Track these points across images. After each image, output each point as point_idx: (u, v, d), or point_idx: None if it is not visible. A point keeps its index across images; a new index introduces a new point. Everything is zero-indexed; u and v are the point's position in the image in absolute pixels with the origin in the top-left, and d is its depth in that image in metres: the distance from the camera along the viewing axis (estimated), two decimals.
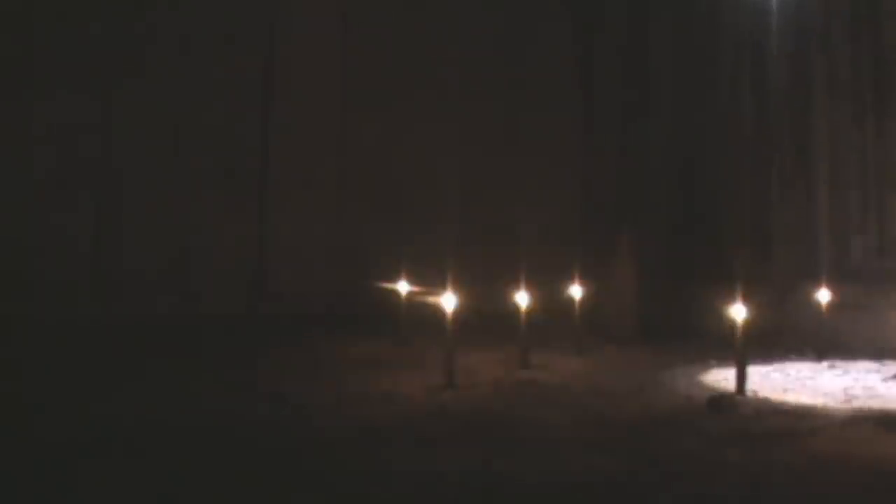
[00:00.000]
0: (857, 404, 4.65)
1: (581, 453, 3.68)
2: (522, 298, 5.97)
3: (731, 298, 5.03)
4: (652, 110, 8.30)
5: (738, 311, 4.94)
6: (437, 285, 5.48)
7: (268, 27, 8.32)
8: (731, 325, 4.96)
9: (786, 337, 6.49)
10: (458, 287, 5.31)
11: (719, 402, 4.54)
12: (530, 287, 6.04)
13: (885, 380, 5.30)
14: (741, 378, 4.84)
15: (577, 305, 6.53)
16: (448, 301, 5.18)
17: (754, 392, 4.82)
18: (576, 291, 6.56)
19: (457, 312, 5.18)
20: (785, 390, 5.01)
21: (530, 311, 5.99)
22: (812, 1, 6.86)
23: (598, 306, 7.02)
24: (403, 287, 6.82)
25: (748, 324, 4.92)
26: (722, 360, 5.66)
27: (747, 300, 4.96)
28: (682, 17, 8.13)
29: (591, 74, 8.87)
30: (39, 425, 4.04)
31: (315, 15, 8.45)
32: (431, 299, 5.79)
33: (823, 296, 6.05)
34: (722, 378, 5.17)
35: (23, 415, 4.23)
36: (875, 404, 4.64)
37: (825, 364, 5.79)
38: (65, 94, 7.75)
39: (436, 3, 8.70)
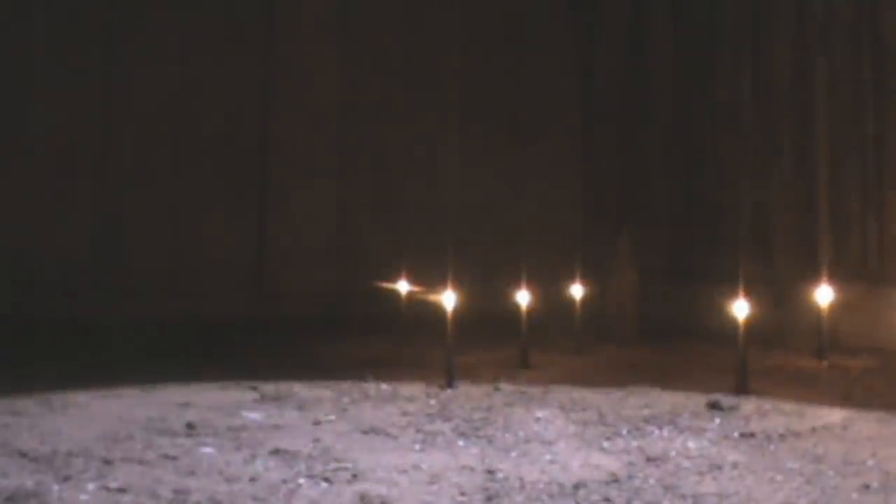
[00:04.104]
0: (856, 404, 4.65)
1: (581, 453, 3.69)
2: (522, 298, 5.97)
3: (731, 298, 5.03)
4: (652, 110, 8.30)
5: (739, 309, 4.94)
6: (438, 285, 5.49)
7: (268, 26, 8.33)
8: (732, 323, 4.96)
9: (786, 337, 6.49)
10: (459, 287, 5.31)
11: (719, 401, 4.54)
12: (531, 287, 6.04)
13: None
14: (742, 377, 4.85)
15: (577, 305, 6.54)
16: (448, 300, 5.18)
17: (755, 391, 4.82)
18: (576, 291, 6.56)
19: (457, 312, 5.19)
20: (785, 390, 5.01)
21: (531, 310, 5.99)
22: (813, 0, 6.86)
23: (598, 306, 7.02)
24: (403, 287, 6.82)
25: (749, 322, 4.93)
26: (723, 359, 5.66)
27: (748, 299, 4.97)
28: (682, 16, 8.13)
29: (592, 74, 8.87)
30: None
31: (315, 14, 8.46)
32: (432, 298, 5.80)
33: (823, 296, 6.05)
34: (721, 377, 5.17)
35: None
36: (875, 404, 4.64)
37: (825, 364, 5.79)
38: (64, 93, 7.77)
39: (436, 3, 8.70)
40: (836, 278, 6.13)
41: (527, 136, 8.79)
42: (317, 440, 3.84)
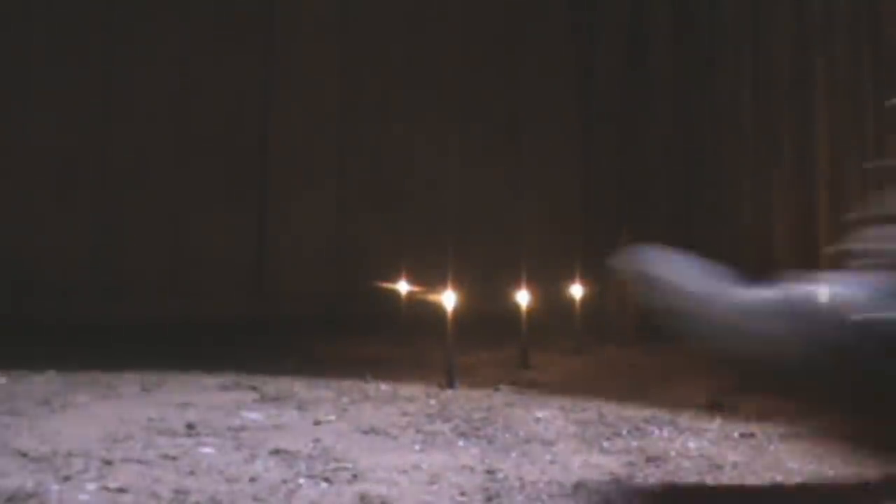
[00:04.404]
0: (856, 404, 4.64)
1: (581, 453, 3.69)
2: (522, 298, 5.98)
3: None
4: (652, 110, 8.30)
5: None
6: (438, 285, 5.49)
7: (268, 26, 8.33)
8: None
9: None
10: (459, 287, 5.32)
11: (719, 401, 4.54)
12: (531, 287, 6.04)
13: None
14: (742, 377, 4.84)
15: (577, 305, 6.54)
16: (448, 300, 5.18)
17: (755, 391, 4.82)
18: (576, 291, 6.56)
19: (457, 312, 5.19)
20: (785, 390, 5.00)
21: (531, 310, 5.99)
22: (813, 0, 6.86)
23: (598, 306, 7.03)
24: (403, 287, 6.83)
25: None
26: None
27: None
28: (682, 16, 8.14)
29: (592, 74, 8.87)
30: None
31: (315, 14, 8.46)
32: (432, 299, 5.80)
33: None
34: (721, 377, 5.17)
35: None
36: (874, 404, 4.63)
37: None
38: (64, 93, 7.77)
39: (436, 3, 8.71)
40: None
41: (527, 137, 8.80)
42: (317, 440, 3.84)
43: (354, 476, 3.33)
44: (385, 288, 7.17)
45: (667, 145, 8.19)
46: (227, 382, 5.12)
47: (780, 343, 3.10)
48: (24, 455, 3.53)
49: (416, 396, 4.81)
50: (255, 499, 3.08)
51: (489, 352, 6.15)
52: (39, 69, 7.76)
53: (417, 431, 4.03)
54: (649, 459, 3.59)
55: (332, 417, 4.31)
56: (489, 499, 3.10)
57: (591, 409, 4.54)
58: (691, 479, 3.34)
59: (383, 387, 5.06)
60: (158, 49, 8.00)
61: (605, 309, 7.09)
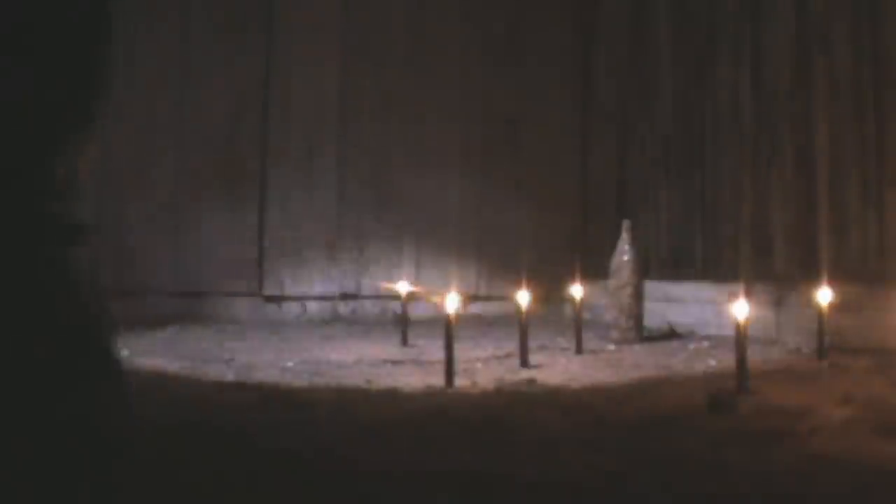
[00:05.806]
0: (856, 404, 4.65)
1: (580, 453, 3.69)
2: (523, 298, 5.98)
3: (731, 297, 5.03)
4: (652, 109, 8.31)
5: (739, 309, 4.93)
6: (438, 285, 5.50)
7: (268, 26, 8.33)
8: (732, 323, 4.96)
9: (786, 336, 6.49)
10: (459, 287, 5.32)
11: (719, 401, 4.54)
12: (531, 287, 6.04)
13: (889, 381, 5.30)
14: (741, 377, 4.84)
15: (577, 305, 6.54)
16: (449, 301, 5.18)
17: (754, 391, 4.82)
18: (576, 291, 6.56)
19: (457, 312, 5.19)
20: (785, 390, 5.01)
21: (531, 310, 5.99)
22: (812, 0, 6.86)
23: (598, 306, 7.03)
24: (403, 287, 6.83)
25: (749, 322, 4.92)
26: (720, 360, 5.67)
27: (748, 299, 4.96)
28: (682, 16, 8.14)
29: (591, 73, 8.88)
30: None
31: (315, 14, 8.47)
32: (432, 299, 5.81)
33: (823, 296, 6.04)
34: (721, 377, 5.17)
35: None
36: (874, 404, 4.64)
37: (825, 364, 5.79)
38: None
39: (436, 3, 8.71)
40: (836, 278, 6.13)
41: (527, 137, 8.80)
42: (317, 441, 3.84)
43: (356, 476, 3.34)
44: (385, 288, 7.18)
45: (667, 145, 8.20)
46: (227, 383, 5.12)
47: None
48: None
49: (416, 396, 4.81)
50: (255, 501, 3.08)
51: (489, 352, 6.15)
52: None
53: (417, 431, 4.04)
54: (649, 459, 3.59)
55: (333, 417, 4.32)
56: (490, 500, 3.10)
57: (591, 408, 4.54)
58: (691, 478, 3.34)
59: (384, 386, 5.06)
60: (158, 49, 8.00)
61: (605, 308, 7.09)
